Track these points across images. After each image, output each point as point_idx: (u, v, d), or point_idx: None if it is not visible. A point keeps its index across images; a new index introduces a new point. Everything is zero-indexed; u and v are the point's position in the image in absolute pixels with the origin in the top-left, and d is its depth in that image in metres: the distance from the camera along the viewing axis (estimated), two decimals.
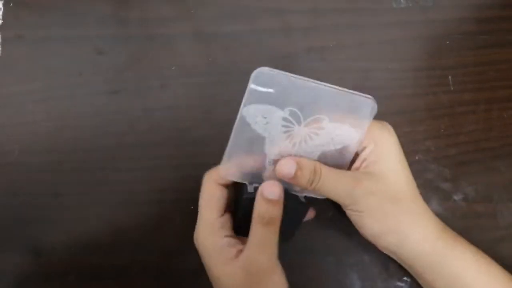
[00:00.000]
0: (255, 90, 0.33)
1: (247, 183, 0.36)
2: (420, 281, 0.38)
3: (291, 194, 0.36)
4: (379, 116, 0.44)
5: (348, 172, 0.35)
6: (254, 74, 0.32)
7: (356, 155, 0.36)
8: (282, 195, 0.33)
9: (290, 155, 0.34)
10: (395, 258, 0.38)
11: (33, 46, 0.45)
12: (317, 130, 0.34)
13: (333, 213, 0.41)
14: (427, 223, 0.35)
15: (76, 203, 0.42)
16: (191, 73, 0.45)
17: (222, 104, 0.44)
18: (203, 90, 0.44)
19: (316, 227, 0.41)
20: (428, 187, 0.43)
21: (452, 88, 0.46)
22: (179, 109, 0.44)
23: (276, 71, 0.33)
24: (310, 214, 0.38)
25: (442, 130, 0.45)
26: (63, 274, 0.41)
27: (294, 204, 0.36)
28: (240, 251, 0.34)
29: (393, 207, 0.34)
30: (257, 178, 0.36)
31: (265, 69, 0.32)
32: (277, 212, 0.33)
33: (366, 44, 0.46)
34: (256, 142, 0.34)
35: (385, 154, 0.35)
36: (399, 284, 0.40)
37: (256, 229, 0.33)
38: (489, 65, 0.46)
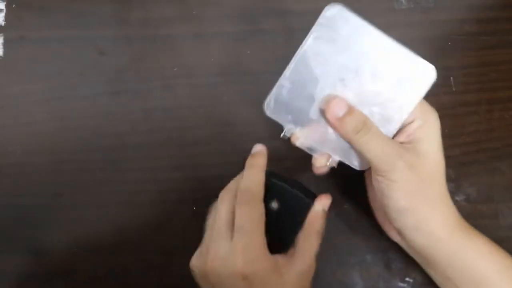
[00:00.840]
0: (325, 26, 0.32)
1: (286, 125, 0.34)
2: (428, 270, 0.37)
3: (296, 195, 0.36)
4: None
5: (395, 140, 0.35)
6: (327, 8, 0.32)
7: (400, 129, 0.35)
8: None
9: None
10: (404, 245, 0.37)
11: (35, 47, 0.45)
12: (372, 87, 0.33)
13: (335, 213, 0.41)
14: (448, 211, 0.35)
15: (77, 203, 0.42)
16: (192, 73, 0.45)
17: (224, 105, 0.44)
18: (205, 91, 0.44)
19: None
20: None
21: (453, 89, 0.45)
22: (181, 109, 0.44)
23: (348, 10, 0.32)
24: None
25: (444, 131, 0.44)
26: (64, 274, 0.41)
27: (297, 204, 0.36)
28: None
29: (425, 186, 0.34)
30: (298, 123, 0.34)
31: (338, 7, 0.32)
32: None
33: None
34: (309, 82, 0.33)
35: (430, 134, 0.34)
36: (401, 284, 0.40)
37: (314, 241, 0.35)
38: (491, 66, 0.46)
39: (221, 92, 0.44)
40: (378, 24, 0.47)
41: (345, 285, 0.41)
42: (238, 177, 0.37)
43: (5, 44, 0.45)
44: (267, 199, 0.35)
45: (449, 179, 0.43)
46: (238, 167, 0.37)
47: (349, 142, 0.33)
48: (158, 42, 0.45)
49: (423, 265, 0.37)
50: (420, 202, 0.34)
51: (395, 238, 0.38)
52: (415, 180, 0.33)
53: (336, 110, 0.33)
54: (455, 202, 0.43)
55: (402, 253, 0.39)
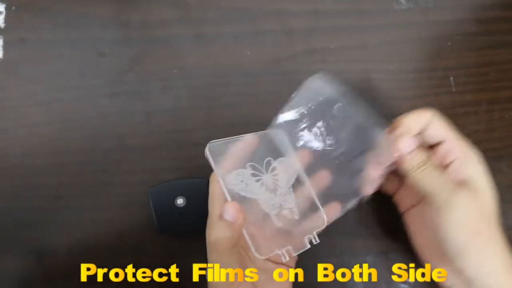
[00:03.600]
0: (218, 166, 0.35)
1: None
2: None
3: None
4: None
5: (451, 178, 0.35)
6: (207, 153, 0.34)
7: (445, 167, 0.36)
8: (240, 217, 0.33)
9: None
10: (459, 285, 0.36)
11: (36, 49, 0.45)
12: (274, 170, 0.37)
13: None
14: (503, 253, 0.34)
15: (78, 205, 0.42)
16: (192, 75, 0.45)
17: (223, 106, 0.44)
18: (204, 92, 0.44)
19: None
20: None
21: (453, 89, 0.45)
22: (180, 111, 0.44)
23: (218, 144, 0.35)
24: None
25: None
26: (65, 276, 0.41)
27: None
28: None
29: (485, 227, 0.33)
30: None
31: (211, 145, 0.35)
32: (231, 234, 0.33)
33: (367, 45, 0.46)
34: (254, 207, 0.35)
35: (478, 170, 0.35)
36: (402, 286, 0.40)
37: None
38: (491, 66, 0.46)
39: (221, 93, 0.44)
40: (377, 24, 0.47)
41: (346, 286, 0.41)
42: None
43: (5, 46, 0.45)
44: (173, 199, 0.39)
45: None
46: None
47: (409, 177, 0.35)
48: (158, 43, 0.45)
49: None
50: (482, 243, 0.33)
51: (450, 281, 0.36)
52: (473, 217, 0.33)
53: (404, 147, 0.35)
54: None
55: (403, 254, 0.39)
